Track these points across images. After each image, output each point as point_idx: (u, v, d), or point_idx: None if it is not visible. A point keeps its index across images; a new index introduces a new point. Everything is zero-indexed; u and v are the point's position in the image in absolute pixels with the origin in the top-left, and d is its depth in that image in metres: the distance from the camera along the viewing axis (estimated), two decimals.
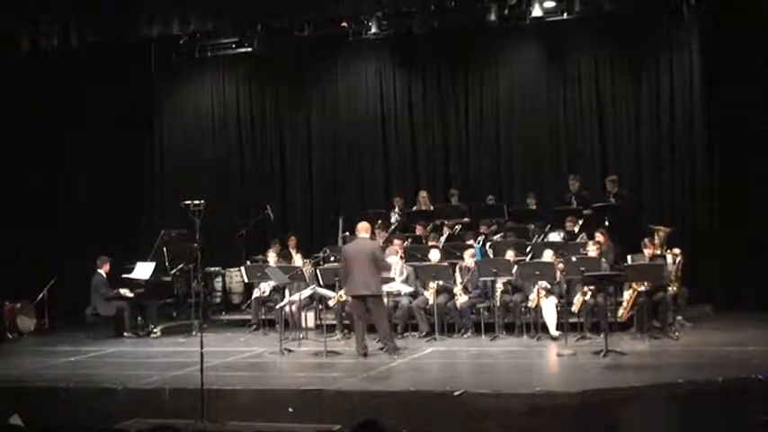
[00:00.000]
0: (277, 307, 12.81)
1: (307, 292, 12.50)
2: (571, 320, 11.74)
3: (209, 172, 17.32)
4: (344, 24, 15.77)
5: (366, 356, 10.99)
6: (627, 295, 11.65)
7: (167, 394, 9.46)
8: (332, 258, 14.10)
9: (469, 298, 12.34)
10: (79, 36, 13.38)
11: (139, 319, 14.17)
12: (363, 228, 11.52)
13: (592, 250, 11.88)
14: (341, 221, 15.16)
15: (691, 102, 14.62)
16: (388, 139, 16.69)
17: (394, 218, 15.29)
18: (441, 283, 12.32)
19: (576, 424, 8.26)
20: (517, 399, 8.52)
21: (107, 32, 13.54)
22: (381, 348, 11.22)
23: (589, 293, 11.51)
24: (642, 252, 11.88)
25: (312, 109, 17.17)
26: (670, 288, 11.84)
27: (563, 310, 11.66)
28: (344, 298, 12.12)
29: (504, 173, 16.04)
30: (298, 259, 13.88)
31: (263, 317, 13.69)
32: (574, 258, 11.66)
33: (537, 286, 11.80)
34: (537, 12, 14.51)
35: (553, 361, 10.71)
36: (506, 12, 14.87)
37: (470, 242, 13.61)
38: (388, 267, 11.87)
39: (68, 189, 15.47)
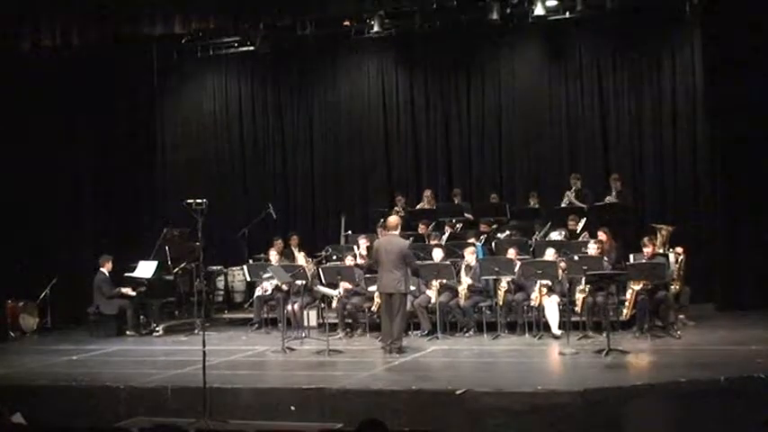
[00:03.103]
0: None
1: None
2: (573, 319, 11.74)
3: (211, 171, 17.34)
4: (347, 23, 15.78)
5: (391, 353, 11.00)
6: (629, 295, 11.65)
7: (169, 393, 9.47)
8: (334, 257, 14.11)
9: (471, 296, 12.34)
10: (81, 35, 13.38)
11: (142, 317, 14.16)
12: (393, 224, 11.50)
13: (592, 249, 11.88)
14: (343, 220, 15.16)
15: (693, 101, 14.63)
16: (390, 138, 16.71)
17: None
18: (443, 282, 12.29)
19: (577, 423, 8.25)
20: (519, 397, 8.52)
21: (108, 31, 13.53)
22: (382, 348, 11.22)
23: (587, 290, 11.49)
24: (643, 251, 11.87)
25: (314, 108, 17.18)
26: (672, 287, 11.84)
27: (565, 308, 11.66)
28: (344, 294, 12.14)
29: (506, 172, 16.05)
30: (300, 258, 13.89)
31: (266, 315, 13.69)
32: (576, 257, 11.65)
33: (538, 284, 11.80)
34: (539, 11, 14.51)
35: (555, 360, 10.70)
36: (508, 10, 14.90)
37: (472, 241, 13.61)
38: (416, 267, 11.81)
39: (70, 187, 15.46)
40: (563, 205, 14.41)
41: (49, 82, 14.81)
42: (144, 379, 10.09)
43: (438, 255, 12.68)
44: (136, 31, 13.65)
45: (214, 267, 15.54)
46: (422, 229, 14.61)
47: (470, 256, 12.60)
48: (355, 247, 13.93)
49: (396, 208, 15.39)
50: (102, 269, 13.93)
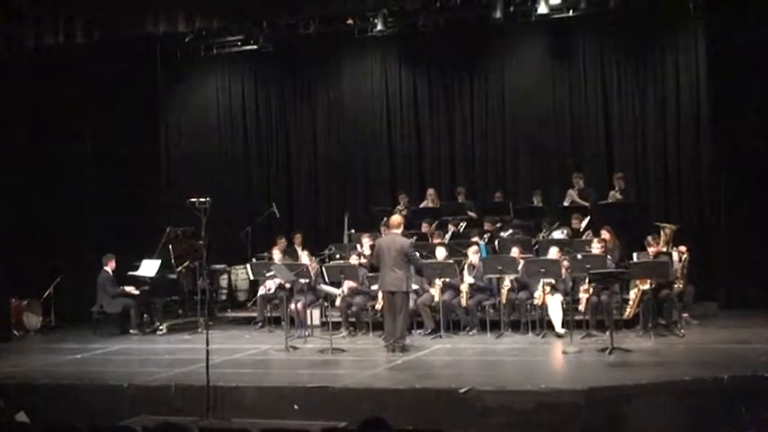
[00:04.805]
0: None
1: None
2: (577, 318, 11.72)
3: (214, 169, 17.35)
4: (350, 21, 15.78)
5: (394, 351, 11.01)
6: (633, 293, 11.63)
7: (173, 391, 9.49)
8: (337, 256, 14.11)
9: (474, 295, 12.33)
10: (84, 34, 13.39)
11: (145, 316, 14.18)
12: (395, 223, 11.52)
13: (596, 248, 11.87)
14: (347, 219, 15.16)
15: (697, 99, 14.61)
16: (393, 137, 16.72)
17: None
18: (447, 280, 12.29)
19: (581, 422, 8.24)
20: (523, 396, 8.52)
21: (112, 30, 13.54)
22: (386, 346, 11.23)
23: (591, 289, 11.49)
24: (646, 250, 11.86)
25: (317, 106, 17.20)
26: (676, 285, 11.82)
27: (568, 307, 11.65)
28: (348, 293, 12.19)
29: (509, 170, 16.04)
30: (304, 256, 13.89)
31: (269, 314, 13.71)
32: (579, 256, 11.64)
33: (542, 283, 11.79)
34: (543, 9, 14.49)
35: (558, 358, 10.69)
36: (512, 9, 14.88)
37: (476, 239, 13.61)
38: (420, 264, 11.81)
39: (74, 186, 15.46)
40: (566, 204, 14.42)
41: (51, 80, 14.81)
42: (148, 377, 10.11)
43: (441, 253, 12.68)
44: (139, 29, 13.64)
45: (217, 266, 15.55)
46: (425, 227, 14.61)
47: (474, 255, 12.60)
48: (359, 246, 13.95)
49: (399, 207, 15.39)
50: (105, 268, 13.94)
